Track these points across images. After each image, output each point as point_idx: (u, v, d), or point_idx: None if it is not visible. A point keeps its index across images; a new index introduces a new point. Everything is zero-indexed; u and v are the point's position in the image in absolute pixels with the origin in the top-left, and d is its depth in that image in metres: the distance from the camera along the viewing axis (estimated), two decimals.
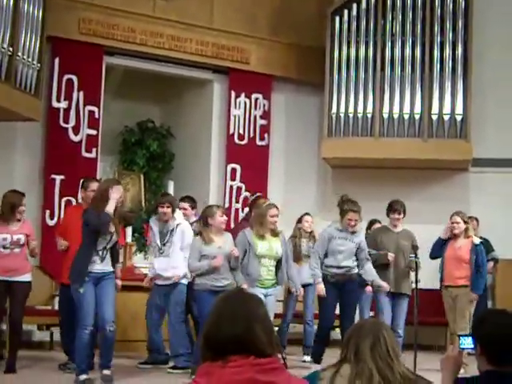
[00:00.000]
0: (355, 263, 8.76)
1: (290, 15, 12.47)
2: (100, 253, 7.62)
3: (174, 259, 8.78)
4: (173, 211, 8.84)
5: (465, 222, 9.39)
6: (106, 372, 7.56)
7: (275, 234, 8.43)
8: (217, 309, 2.71)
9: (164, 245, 8.82)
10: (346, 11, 12.02)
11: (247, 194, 11.95)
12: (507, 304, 9.39)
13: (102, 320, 7.51)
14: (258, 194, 10.75)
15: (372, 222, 10.59)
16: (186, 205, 9.29)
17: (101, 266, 7.61)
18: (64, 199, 10.69)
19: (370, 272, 8.78)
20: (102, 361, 7.61)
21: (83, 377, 7.43)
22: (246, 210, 10.68)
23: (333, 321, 9.02)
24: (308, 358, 9.60)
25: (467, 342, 3.44)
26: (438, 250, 9.45)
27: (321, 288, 8.67)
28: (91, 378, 7.51)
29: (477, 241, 9.44)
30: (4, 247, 8.24)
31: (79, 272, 7.54)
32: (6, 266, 8.20)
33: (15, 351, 8.21)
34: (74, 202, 10.66)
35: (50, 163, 10.71)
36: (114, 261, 7.81)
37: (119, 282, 8.09)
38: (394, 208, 9.34)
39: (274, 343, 2.67)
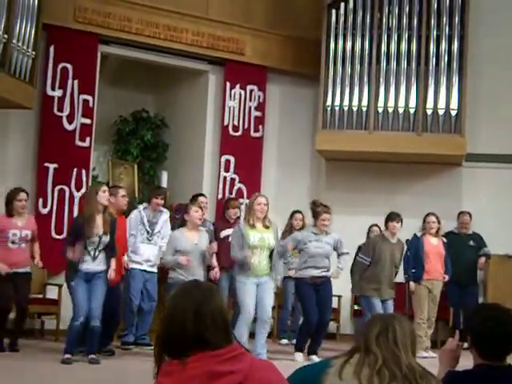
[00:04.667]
0: (330, 265, 9.33)
1: (287, 7, 12.45)
2: (91, 253, 8.26)
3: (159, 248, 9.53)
4: (164, 204, 9.72)
5: (438, 222, 10.29)
6: (92, 356, 8.20)
7: (266, 226, 8.77)
8: (168, 305, 2.68)
9: (154, 234, 9.48)
10: (342, 4, 11.99)
11: (241, 185, 11.98)
12: (498, 299, 9.42)
13: (90, 316, 8.20)
14: (231, 196, 11.44)
15: (372, 226, 10.71)
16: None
17: (92, 265, 8.28)
18: (57, 188, 10.66)
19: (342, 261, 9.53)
20: (88, 348, 8.31)
21: (66, 356, 8.13)
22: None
23: (316, 314, 9.21)
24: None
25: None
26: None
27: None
28: (72, 358, 8.12)
29: (444, 239, 10.50)
30: (13, 242, 8.67)
31: (72, 269, 8.28)
32: (12, 260, 8.66)
33: (18, 334, 8.80)
34: (67, 191, 10.68)
35: (43, 151, 10.67)
36: (108, 258, 8.37)
37: (112, 274, 8.43)
38: (392, 217, 9.87)
39: (230, 334, 2.62)
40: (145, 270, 9.46)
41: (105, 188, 8.48)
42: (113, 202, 8.83)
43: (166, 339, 2.61)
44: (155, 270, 9.57)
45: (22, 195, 8.74)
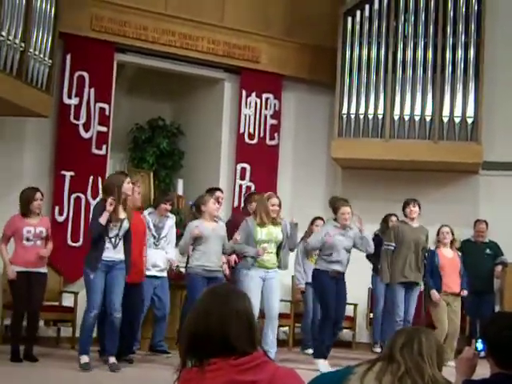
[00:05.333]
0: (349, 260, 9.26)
1: (302, 15, 12.45)
2: (112, 240, 8.16)
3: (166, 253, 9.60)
4: (171, 209, 9.84)
5: (452, 234, 10.12)
6: (112, 360, 8.12)
7: (276, 223, 8.89)
8: (195, 306, 2.64)
9: (160, 239, 9.50)
10: (358, 12, 12.00)
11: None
12: None
13: (111, 308, 8.12)
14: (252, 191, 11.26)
15: (388, 216, 10.74)
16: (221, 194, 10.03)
17: (113, 253, 8.14)
18: (73, 196, 10.69)
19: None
20: (107, 347, 8.27)
21: (84, 359, 8.02)
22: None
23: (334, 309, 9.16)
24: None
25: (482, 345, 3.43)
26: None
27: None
28: (90, 362, 8.02)
29: (459, 253, 10.26)
30: (28, 239, 8.59)
31: (94, 259, 8.06)
32: (28, 258, 8.56)
33: (32, 340, 8.63)
34: (83, 199, 10.70)
35: (59, 159, 10.71)
36: (126, 249, 8.25)
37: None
38: (408, 202, 9.96)
39: (256, 340, 2.57)
40: (154, 276, 9.39)
41: (129, 179, 8.41)
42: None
43: (191, 340, 2.56)
44: (165, 274, 9.56)
45: (39, 195, 8.72)
